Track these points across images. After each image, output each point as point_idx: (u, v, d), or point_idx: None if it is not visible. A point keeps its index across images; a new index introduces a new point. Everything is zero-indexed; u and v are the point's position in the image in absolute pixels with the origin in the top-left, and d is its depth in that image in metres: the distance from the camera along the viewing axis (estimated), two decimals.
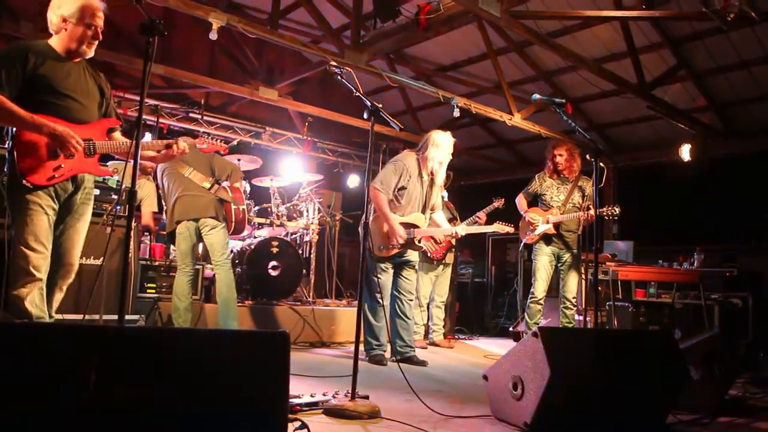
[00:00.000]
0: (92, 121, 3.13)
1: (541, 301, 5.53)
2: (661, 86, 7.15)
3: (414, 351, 4.90)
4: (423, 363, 4.77)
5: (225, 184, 5.12)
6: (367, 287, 4.71)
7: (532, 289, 5.58)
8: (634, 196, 8.70)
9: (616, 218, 5.19)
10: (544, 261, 5.54)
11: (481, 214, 6.20)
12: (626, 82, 6.82)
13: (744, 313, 6.11)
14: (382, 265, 4.77)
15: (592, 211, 5.04)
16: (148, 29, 2.55)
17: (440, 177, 4.91)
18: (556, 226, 5.50)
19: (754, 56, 6.68)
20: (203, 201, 4.97)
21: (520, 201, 5.78)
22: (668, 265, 7.09)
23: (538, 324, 5.47)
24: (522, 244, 5.89)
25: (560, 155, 5.61)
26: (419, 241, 4.79)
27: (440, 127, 5.38)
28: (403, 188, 4.76)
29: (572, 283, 5.51)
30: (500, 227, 4.96)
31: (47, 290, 3.04)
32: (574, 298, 5.50)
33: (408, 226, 4.74)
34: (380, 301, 4.69)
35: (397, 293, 4.89)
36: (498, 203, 6.20)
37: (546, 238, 5.55)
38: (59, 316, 4.07)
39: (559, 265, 5.58)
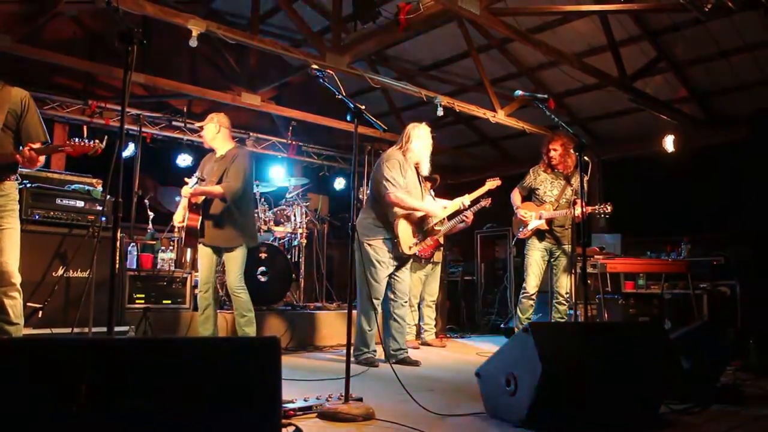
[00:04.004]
0: None
1: (533, 297, 5.53)
2: (642, 78, 7.20)
3: (407, 352, 4.90)
4: (416, 363, 4.77)
5: None
6: (363, 290, 4.72)
7: (524, 285, 5.58)
8: (619, 189, 8.74)
9: (608, 216, 5.23)
10: (536, 256, 5.55)
11: (469, 213, 6.19)
12: (607, 75, 6.86)
13: (732, 301, 6.15)
14: (381, 267, 4.76)
15: (586, 208, 5.03)
16: (126, 38, 2.52)
17: (425, 167, 5.05)
18: (549, 221, 5.51)
19: (733, 46, 6.73)
20: None
21: (515, 196, 5.81)
22: (656, 256, 7.13)
23: (529, 319, 5.49)
24: (513, 240, 5.91)
25: (555, 150, 5.61)
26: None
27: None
28: None
29: (565, 279, 5.52)
30: (492, 183, 5.55)
31: None
32: (567, 293, 5.50)
33: (423, 217, 4.98)
34: (376, 306, 4.70)
35: (392, 295, 4.89)
36: (485, 202, 6.20)
37: (539, 234, 5.56)
38: (47, 330, 4.08)
39: (552, 260, 5.58)
